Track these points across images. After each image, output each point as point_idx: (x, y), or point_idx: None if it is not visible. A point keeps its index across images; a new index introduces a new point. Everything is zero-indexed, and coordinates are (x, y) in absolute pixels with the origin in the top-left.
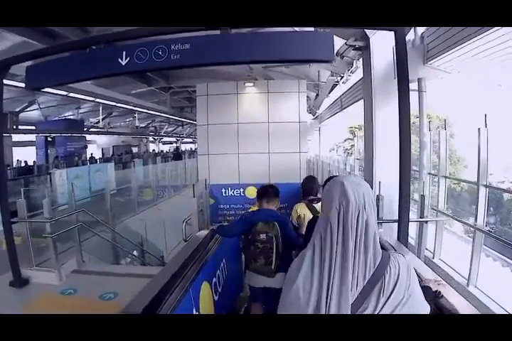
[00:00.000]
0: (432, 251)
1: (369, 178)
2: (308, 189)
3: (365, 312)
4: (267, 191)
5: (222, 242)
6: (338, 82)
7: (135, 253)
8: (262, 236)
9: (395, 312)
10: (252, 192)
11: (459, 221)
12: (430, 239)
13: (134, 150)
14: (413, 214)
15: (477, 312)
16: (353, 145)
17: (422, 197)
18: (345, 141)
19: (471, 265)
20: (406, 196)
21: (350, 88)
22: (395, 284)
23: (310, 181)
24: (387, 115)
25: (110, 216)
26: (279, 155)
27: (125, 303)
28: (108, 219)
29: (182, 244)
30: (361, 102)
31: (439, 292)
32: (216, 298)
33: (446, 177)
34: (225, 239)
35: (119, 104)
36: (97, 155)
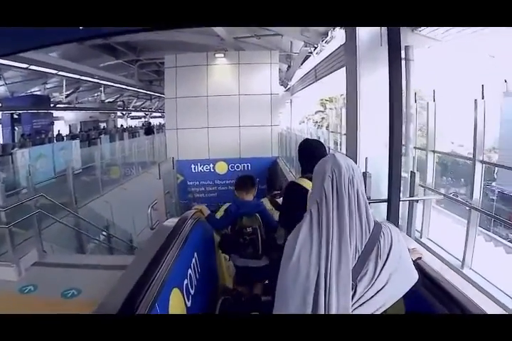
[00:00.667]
0: (420, 230)
1: (352, 154)
2: (272, 184)
3: (366, 277)
4: (244, 183)
5: (192, 232)
6: (311, 52)
7: (102, 238)
8: (248, 229)
9: (391, 279)
10: (222, 168)
11: (454, 200)
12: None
13: (103, 125)
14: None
15: (453, 283)
16: (323, 118)
17: (412, 174)
18: (316, 113)
19: (465, 246)
20: (397, 173)
21: (327, 57)
22: (390, 249)
23: (274, 176)
24: (372, 84)
25: (73, 199)
26: (250, 128)
27: (89, 301)
28: (71, 202)
29: (148, 231)
30: (337, 73)
31: (418, 258)
32: (189, 304)
33: (435, 151)
34: (196, 227)
35: (85, 78)
36: (65, 132)
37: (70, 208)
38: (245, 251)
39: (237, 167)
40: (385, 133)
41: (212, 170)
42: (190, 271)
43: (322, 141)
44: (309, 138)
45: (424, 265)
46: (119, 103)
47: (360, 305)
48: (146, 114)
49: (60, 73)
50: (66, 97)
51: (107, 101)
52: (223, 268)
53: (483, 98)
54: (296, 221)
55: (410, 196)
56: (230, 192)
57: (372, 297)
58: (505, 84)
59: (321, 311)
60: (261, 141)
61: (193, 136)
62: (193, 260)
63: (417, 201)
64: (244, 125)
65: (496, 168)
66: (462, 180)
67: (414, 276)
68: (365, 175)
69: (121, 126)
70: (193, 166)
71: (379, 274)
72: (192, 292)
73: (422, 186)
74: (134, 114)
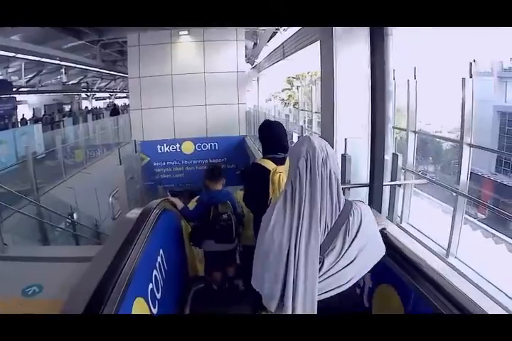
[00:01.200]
0: (399, 214)
1: (328, 134)
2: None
3: (333, 252)
4: (213, 173)
5: (157, 225)
6: (278, 29)
7: (66, 226)
8: (224, 216)
9: (360, 254)
10: (188, 147)
11: (440, 185)
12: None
13: (67, 108)
14: None
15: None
16: (290, 96)
17: (395, 156)
18: (282, 91)
19: (451, 234)
20: (380, 156)
21: (296, 33)
22: (359, 227)
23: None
24: (350, 60)
25: (35, 186)
26: (217, 107)
27: (51, 299)
28: (33, 189)
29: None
30: (305, 50)
31: (383, 229)
32: (155, 311)
33: (416, 132)
34: (162, 218)
35: (48, 60)
36: (29, 116)
37: (31, 196)
38: (221, 236)
39: (204, 146)
40: (363, 112)
41: (178, 150)
42: (155, 272)
43: (291, 118)
44: (270, 119)
45: (411, 254)
46: (82, 85)
47: (328, 277)
48: (111, 95)
49: (22, 56)
50: (29, 81)
51: (70, 83)
52: (193, 257)
53: (471, 77)
54: (260, 200)
55: (392, 180)
56: (197, 172)
57: (339, 271)
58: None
59: (290, 280)
60: (228, 120)
61: (158, 116)
62: (159, 258)
63: (399, 185)
64: (210, 103)
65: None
66: (430, 158)
67: (381, 251)
68: (344, 157)
69: (86, 107)
70: (158, 147)
71: (346, 250)
72: (158, 296)
73: (403, 169)
74: (98, 95)
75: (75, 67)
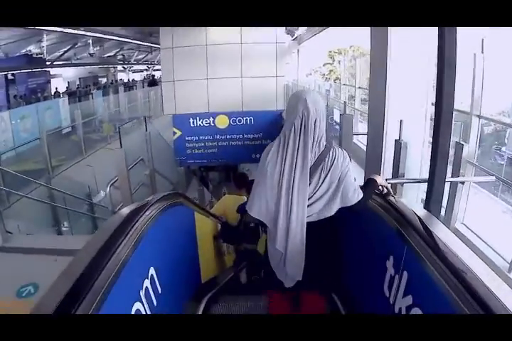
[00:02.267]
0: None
1: (378, 114)
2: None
3: (311, 186)
4: (241, 181)
5: (155, 227)
6: None
7: (84, 209)
8: (252, 224)
9: (332, 188)
10: (223, 122)
11: None
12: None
13: (103, 81)
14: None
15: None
16: (331, 70)
17: (458, 146)
18: (324, 65)
19: None
20: (444, 146)
21: None
22: (331, 165)
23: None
24: (407, 34)
25: (49, 165)
26: (254, 80)
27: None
28: (47, 169)
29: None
30: None
31: (387, 190)
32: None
33: (480, 116)
34: (166, 214)
35: (82, 32)
36: (63, 89)
37: (45, 176)
38: (250, 239)
39: (239, 121)
40: (421, 91)
41: (212, 125)
42: (146, 283)
43: (332, 93)
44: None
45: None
46: (119, 57)
47: (309, 205)
48: (149, 67)
49: (56, 29)
50: (63, 54)
51: (106, 55)
52: (211, 254)
53: (482, 52)
54: None
55: (453, 175)
56: (231, 148)
57: (314, 202)
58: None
59: (282, 203)
60: (265, 94)
61: (191, 88)
62: (151, 271)
63: (462, 183)
64: (247, 76)
65: (508, 133)
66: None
67: (355, 193)
68: (399, 144)
69: (121, 79)
70: (191, 120)
71: (321, 184)
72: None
73: (469, 162)
74: (135, 67)
75: (111, 40)
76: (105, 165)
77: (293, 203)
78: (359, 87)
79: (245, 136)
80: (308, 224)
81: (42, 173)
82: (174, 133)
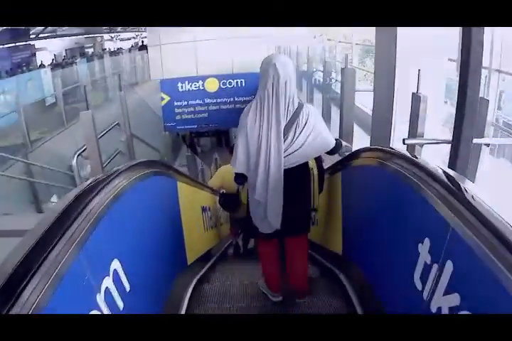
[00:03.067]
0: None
1: (388, 64)
2: None
3: (287, 141)
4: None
5: (119, 207)
6: None
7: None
8: None
9: (307, 141)
10: (213, 85)
11: None
12: None
13: (90, 51)
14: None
15: None
16: None
17: (484, 101)
18: None
19: None
20: (473, 102)
21: None
22: (306, 122)
23: None
24: None
25: (27, 139)
26: (244, 40)
27: None
28: (25, 143)
29: None
30: None
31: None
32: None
33: (500, 71)
34: (141, 187)
35: None
36: (48, 61)
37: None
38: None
39: (230, 83)
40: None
41: (201, 88)
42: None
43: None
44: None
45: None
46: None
47: (285, 156)
48: (136, 35)
49: None
50: (47, 27)
51: None
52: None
53: None
54: None
55: (477, 136)
56: (222, 113)
57: (291, 153)
58: None
59: (263, 155)
60: (258, 54)
61: (178, 50)
62: (114, 264)
63: (488, 145)
64: (236, 36)
65: None
66: None
67: (328, 142)
68: (417, 97)
69: (108, 49)
70: (179, 85)
71: (296, 138)
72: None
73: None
74: (122, 35)
75: None
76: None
77: (271, 156)
78: (356, 44)
79: (236, 99)
80: (286, 170)
81: (21, 148)
82: (162, 98)
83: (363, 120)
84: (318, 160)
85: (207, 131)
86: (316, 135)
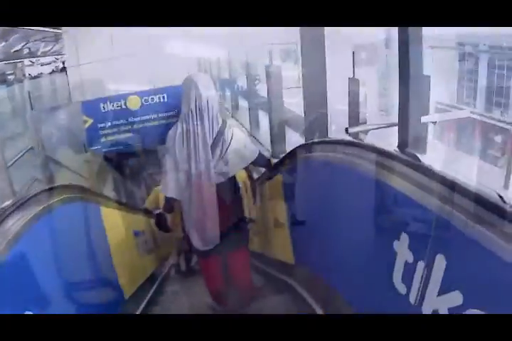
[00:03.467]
0: None
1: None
2: None
3: (216, 155)
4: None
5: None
6: None
7: None
8: None
9: (235, 156)
10: (134, 103)
11: None
12: None
13: (11, 78)
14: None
15: None
16: None
17: (426, 78)
18: None
19: None
20: (417, 75)
21: None
22: (230, 140)
23: None
24: None
25: None
26: (166, 54)
27: None
28: None
29: None
30: None
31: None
32: None
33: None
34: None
35: None
36: None
37: None
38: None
39: (152, 99)
40: None
41: (124, 107)
42: None
43: None
44: None
45: None
46: (25, 51)
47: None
48: (57, 59)
49: None
50: None
51: (12, 50)
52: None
53: None
54: None
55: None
56: (147, 129)
57: (220, 169)
58: None
59: (196, 181)
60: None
61: (99, 70)
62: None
63: (434, 122)
64: (155, 51)
65: None
66: None
67: (253, 152)
68: (355, 82)
69: (29, 74)
70: (101, 105)
71: (224, 154)
72: None
73: None
74: (42, 60)
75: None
76: None
77: (202, 175)
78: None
79: (160, 115)
80: (217, 185)
81: None
82: (85, 121)
83: (297, 124)
84: (247, 170)
85: (134, 151)
86: (240, 147)
